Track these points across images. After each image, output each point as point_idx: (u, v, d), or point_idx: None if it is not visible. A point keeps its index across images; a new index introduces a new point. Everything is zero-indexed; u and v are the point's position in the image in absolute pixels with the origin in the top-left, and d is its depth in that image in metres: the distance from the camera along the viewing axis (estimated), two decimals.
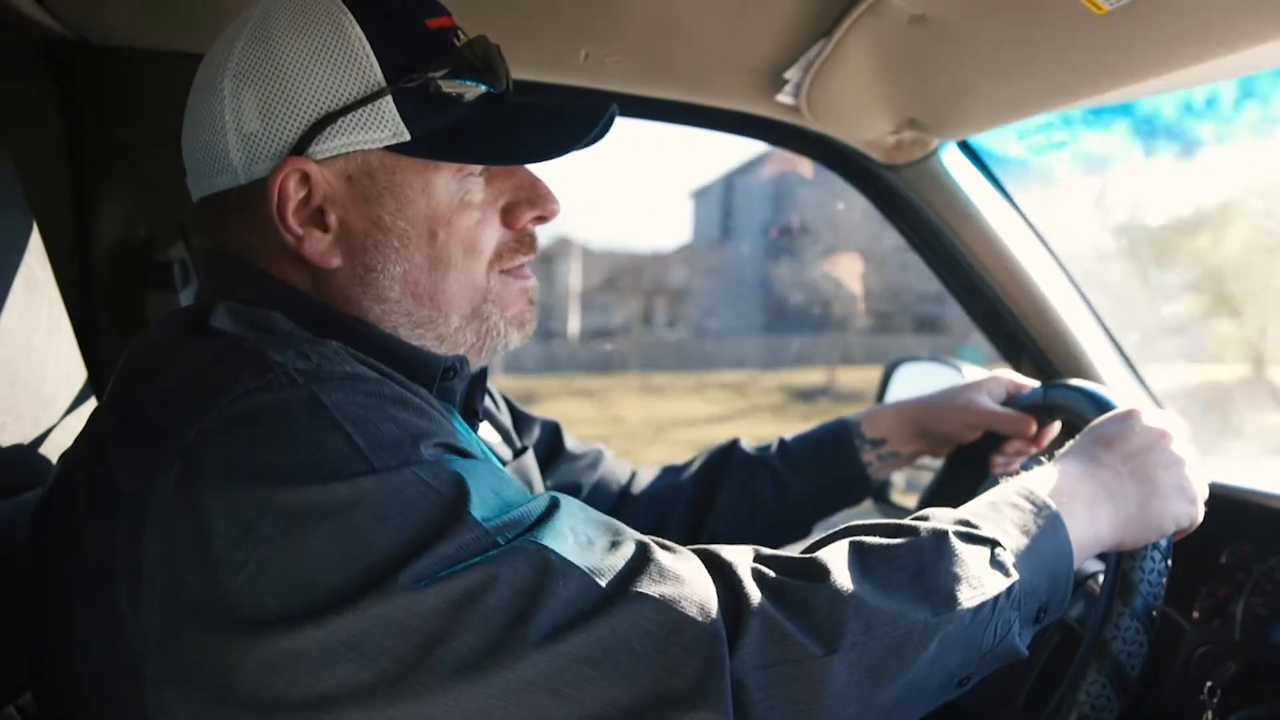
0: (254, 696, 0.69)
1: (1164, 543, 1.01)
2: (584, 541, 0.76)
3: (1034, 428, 1.36)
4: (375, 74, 0.87)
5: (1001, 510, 0.90)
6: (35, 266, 1.18)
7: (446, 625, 0.68)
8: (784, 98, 1.52)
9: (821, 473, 1.44)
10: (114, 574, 0.73)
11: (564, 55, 1.47)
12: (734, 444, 1.48)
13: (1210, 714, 1.09)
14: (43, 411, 1.14)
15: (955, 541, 0.83)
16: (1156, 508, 0.98)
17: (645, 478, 1.49)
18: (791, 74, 1.46)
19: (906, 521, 0.86)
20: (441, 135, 0.89)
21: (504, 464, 1.25)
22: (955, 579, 0.81)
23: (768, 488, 1.43)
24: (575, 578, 0.72)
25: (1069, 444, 1.03)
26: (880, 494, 1.88)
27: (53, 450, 1.12)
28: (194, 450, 0.71)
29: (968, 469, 1.43)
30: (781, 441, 1.47)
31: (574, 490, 1.41)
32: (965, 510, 0.90)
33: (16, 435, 1.07)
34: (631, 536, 0.79)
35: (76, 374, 1.25)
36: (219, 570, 0.69)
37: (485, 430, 1.25)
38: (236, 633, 0.69)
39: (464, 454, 0.79)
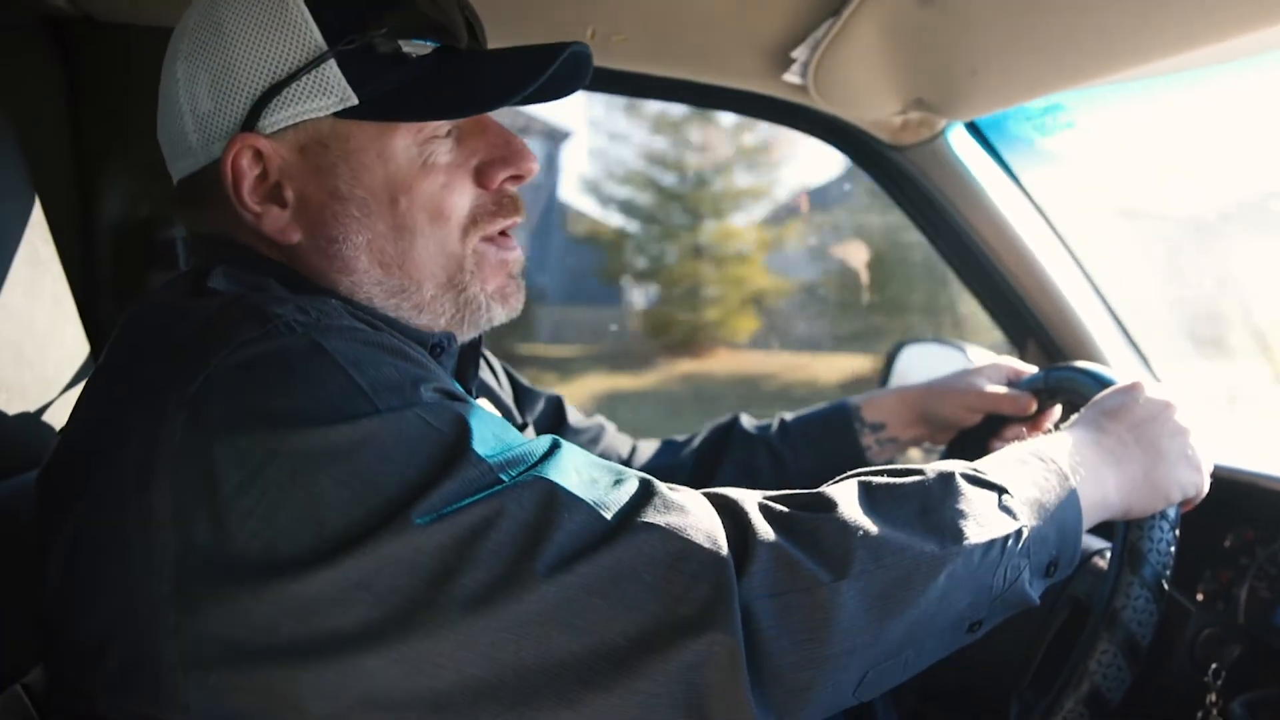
0: (269, 643, 0.69)
1: (1171, 512, 1.01)
2: (587, 479, 0.76)
3: (1034, 406, 1.36)
4: (315, 38, 0.85)
5: (1008, 465, 0.90)
6: (39, 244, 1.18)
7: (455, 561, 0.69)
8: (791, 77, 1.51)
9: (820, 454, 1.45)
10: (124, 533, 0.72)
11: (571, 33, 1.46)
12: (735, 421, 1.49)
13: (1214, 696, 1.10)
14: (46, 390, 1.13)
15: (961, 483, 0.84)
16: (1162, 474, 0.98)
17: (646, 452, 1.49)
18: (799, 53, 1.45)
19: (913, 466, 0.87)
20: (390, 96, 0.87)
21: None
22: (962, 515, 0.81)
23: (766, 466, 1.44)
24: (580, 510, 0.72)
25: (1073, 417, 1.03)
26: None
27: (58, 429, 1.12)
28: (198, 400, 0.71)
29: (967, 454, 1.43)
30: (782, 421, 1.48)
31: None
32: (972, 464, 0.90)
33: (20, 414, 1.07)
34: (634, 474, 0.79)
35: (80, 352, 1.25)
36: (228, 518, 0.69)
37: (486, 407, 1.25)
38: (248, 579, 0.69)
39: (462, 399, 0.79)
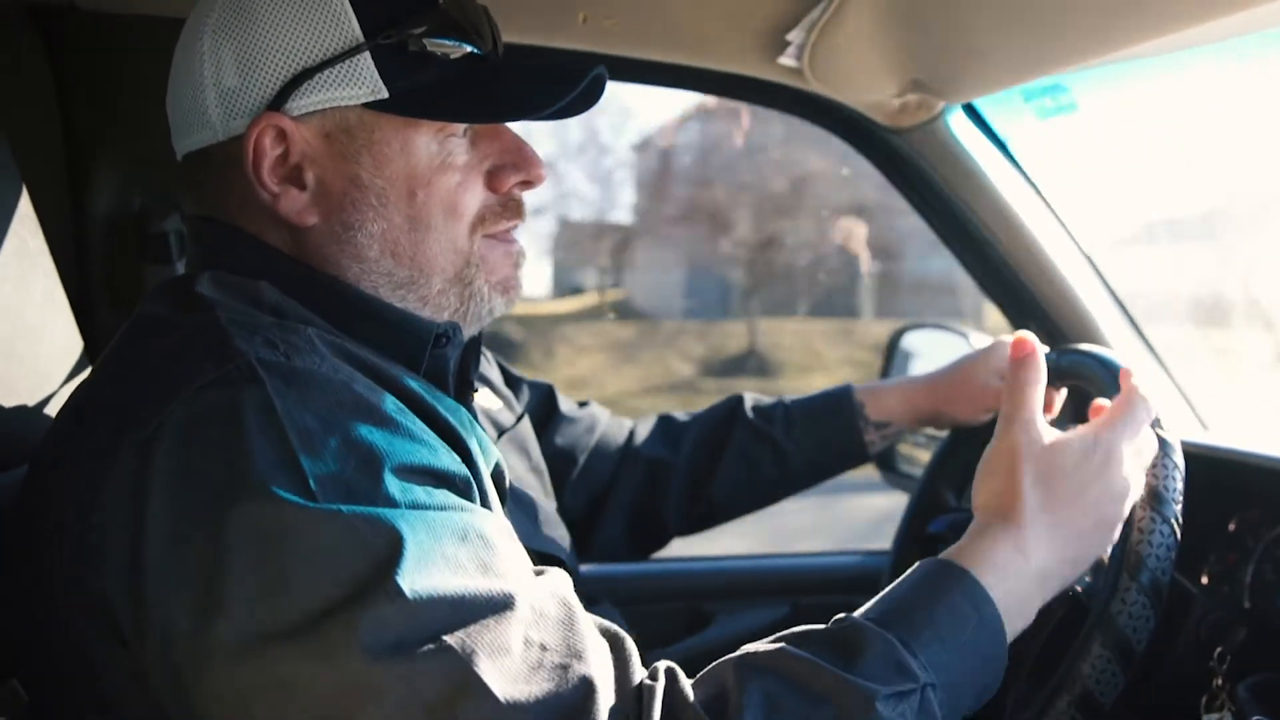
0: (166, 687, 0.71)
1: (1173, 516, 0.99)
2: (532, 663, 0.68)
3: (1055, 401, 1.33)
4: (353, 29, 0.86)
5: (939, 628, 0.81)
6: (29, 239, 1.17)
7: (337, 715, 0.65)
8: (786, 60, 1.50)
9: (822, 448, 1.46)
10: (64, 554, 0.74)
11: (562, 18, 1.45)
12: (737, 408, 1.48)
13: (1220, 680, 1.09)
14: (39, 386, 1.13)
15: (882, 712, 0.73)
16: (1085, 550, 0.94)
17: (643, 434, 1.49)
18: (794, 36, 1.43)
19: (831, 671, 0.74)
20: (420, 94, 0.88)
21: (504, 431, 1.24)
22: None
23: (767, 459, 1.45)
24: (487, 709, 0.64)
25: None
26: (886, 462, 1.87)
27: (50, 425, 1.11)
28: (148, 448, 0.71)
29: (972, 439, 1.42)
30: (785, 410, 1.47)
31: (571, 455, 1.41)
32: (903, 643, 0.78)
33: (12, 409, 1.06)
34: (587, 669, 0.69)
35: (73, 348, 1.24)
36: (144, 575, 0.69)
37: (487, 397, 1.24)
38: (148, 635, 0.69)
39: (435, 476, 0.75)
